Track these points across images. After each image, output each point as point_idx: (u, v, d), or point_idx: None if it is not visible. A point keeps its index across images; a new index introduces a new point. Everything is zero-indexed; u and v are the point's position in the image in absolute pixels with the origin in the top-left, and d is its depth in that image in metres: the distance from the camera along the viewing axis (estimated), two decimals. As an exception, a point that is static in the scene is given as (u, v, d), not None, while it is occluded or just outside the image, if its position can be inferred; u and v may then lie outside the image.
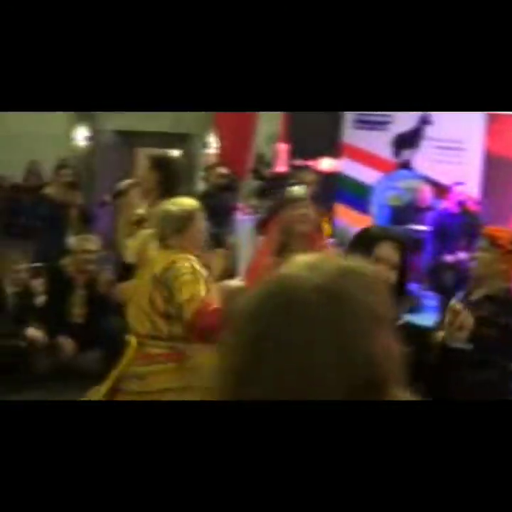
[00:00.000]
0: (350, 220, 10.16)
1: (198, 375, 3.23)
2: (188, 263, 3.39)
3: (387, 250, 2.57)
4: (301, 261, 0.97)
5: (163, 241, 3.49)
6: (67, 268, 6.33)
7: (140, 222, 4.31)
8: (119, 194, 4.60)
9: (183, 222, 3.49)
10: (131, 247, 3.82)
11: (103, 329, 6.18)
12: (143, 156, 4.56)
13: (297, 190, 4.29)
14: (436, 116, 10.02)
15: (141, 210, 4.40)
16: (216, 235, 6.05)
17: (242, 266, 8.17)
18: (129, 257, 3.78)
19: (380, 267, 2.46)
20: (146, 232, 3.63)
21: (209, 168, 8.27)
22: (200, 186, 10.05)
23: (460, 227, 8.34)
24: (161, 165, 4.31)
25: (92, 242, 6.33)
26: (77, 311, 6.32)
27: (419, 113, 10.10)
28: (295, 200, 4.09)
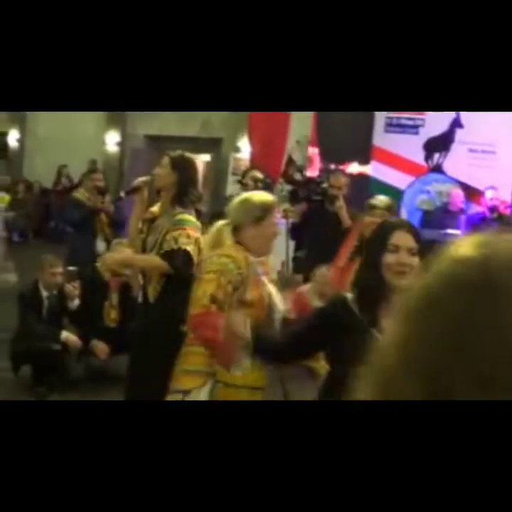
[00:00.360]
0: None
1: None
2: (223, 260, 3.35)
3: (400, 237, 2.63)
4: (469, 241, 0.91)
5: (238, 231, 3.47)
6: (102, 272, 6.36)
7: (153, 220, 4.35)
8: (133, 191, 4.64)
9: (260, 213, 3.48)
10: (204, 242, 3.83)
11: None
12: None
13: (379, 198, 4.38)
14: (467, 119, 9.96)
15: (155, 208, 4.43)
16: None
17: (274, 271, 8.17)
18: (205, 249, 3.77)
19: (400, 255, 2.58)
20: (221, 223, 3.62)
21: (245, 171, 8.25)
22: (230, 189, 10.07)
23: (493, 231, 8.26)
24: (180, 166, 4.34)
25: (127, 247, 6.34)
26: (111, 314, 6.35)
27: (451, 117, 10.05)
28: (372, 208, 4.22)
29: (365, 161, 10.82)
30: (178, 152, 4.49)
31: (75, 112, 14.71)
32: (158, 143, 14.28)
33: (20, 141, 17.96)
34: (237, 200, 3.64)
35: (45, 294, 6.21)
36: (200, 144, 13.20)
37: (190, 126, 13.60)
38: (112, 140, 14.69)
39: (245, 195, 3.69)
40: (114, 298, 6.36)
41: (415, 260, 2.61)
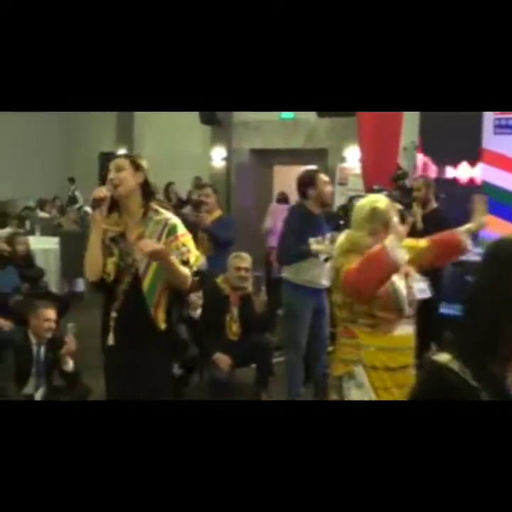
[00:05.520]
0: (497, 229, 9.90)
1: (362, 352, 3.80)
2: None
3: None
4: None
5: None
6: (222, 285, 6.45)
7: (117, 239, 3.93)
8: (98, 202, 3.83)
9: (388, 217, 3.85)
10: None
11: (258, 346, 6.31)
12: (115, 160, 3.98)
13: None
14: None
15: (110, 225, 3.93)
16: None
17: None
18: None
19: None
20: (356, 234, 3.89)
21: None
22: (337, 200, 10.06)
23: None
24: (141, 165, 3.97)
25: (245, 260, 6.43)
26: (233, 328, 6.43)
27: None
28: None
29: (474, 163, 10.64)
30: (125, 152, 4.14)
31: (180, 131, 15.01)
32: (263, 157, 14.39)
33: (129, 161, 18.39)
34: (365, 209, 3.89)
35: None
36: (305, 156, 13.20)
37: (295, 138, 13.65)
38: (218, 156, 14.86)
39: (371, 205, 3.90)
40: (235, 311, 6.43)
41: None
